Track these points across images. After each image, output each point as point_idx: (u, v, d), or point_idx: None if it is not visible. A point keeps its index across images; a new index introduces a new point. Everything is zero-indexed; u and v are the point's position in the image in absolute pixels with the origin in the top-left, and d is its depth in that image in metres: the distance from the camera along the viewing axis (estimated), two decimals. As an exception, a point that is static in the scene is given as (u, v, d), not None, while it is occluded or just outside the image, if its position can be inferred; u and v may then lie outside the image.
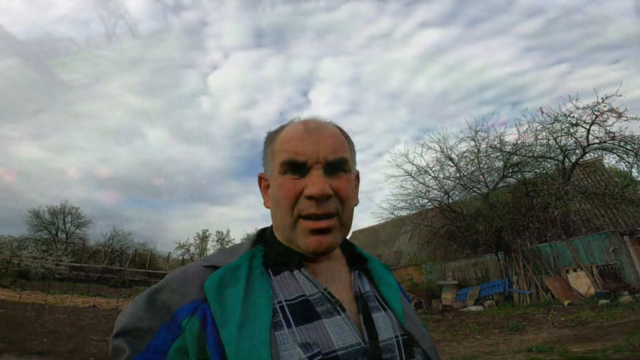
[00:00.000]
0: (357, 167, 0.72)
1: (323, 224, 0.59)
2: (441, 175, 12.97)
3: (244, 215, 74.99)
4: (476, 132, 12.08)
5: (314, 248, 0.59)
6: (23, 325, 7.64)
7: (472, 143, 12.28)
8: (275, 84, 79.93)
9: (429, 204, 13.47)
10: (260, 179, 0.72)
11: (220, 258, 0.62)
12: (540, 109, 11.07)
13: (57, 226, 32.66)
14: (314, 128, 0.63)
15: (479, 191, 12.39)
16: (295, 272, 0.61)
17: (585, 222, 10.92)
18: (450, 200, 13.16)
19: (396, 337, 0.59)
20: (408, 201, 13.54)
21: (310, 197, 0.59)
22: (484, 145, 12.12)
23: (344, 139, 0.67)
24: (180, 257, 41.06)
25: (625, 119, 9.48)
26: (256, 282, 0.57)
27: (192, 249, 41.14)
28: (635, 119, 9.34)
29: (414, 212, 13.95)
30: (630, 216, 10.56)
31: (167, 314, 0.53)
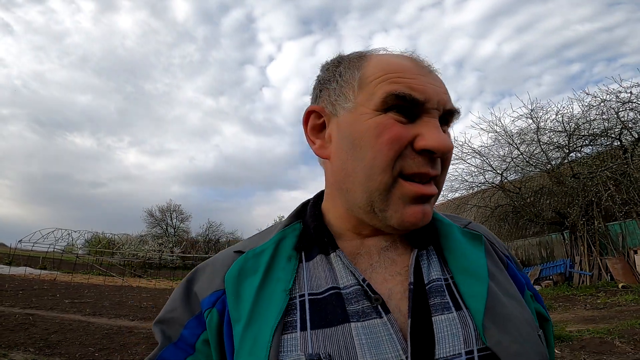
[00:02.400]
0: None
1: (432, 189, 0.46)
2: (501, 152, 13.02)
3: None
4: (532, 109, 11.82)
5: (413, 221, 0.45)
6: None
7: (530, 121, 12.05)
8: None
9: (485, 184, 13.64)
10: (310, 114, 0.53)
11: (251, 241, 0.54)
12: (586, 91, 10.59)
13: (166, 222, 40.16)
14: (425, 66, 0.50)
15: (543, 168, 12.17)
16: (332, 255, 0.49)
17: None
18: (509, 179, 13.16)
19: (468, 352, 0.41)
20: (464, 182, 13.90)
21: (426, 151, 0.44)
22: (543, 123, 11.82)
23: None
24: (264, 243, 46.33)
25: None
26: (277, 270, 0.48)
27: (272, 235, 45.87)
28: None
29: (470, 191, 14.26)
30: None
31: (197, 304, 0.49)
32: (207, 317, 0.47)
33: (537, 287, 10.90)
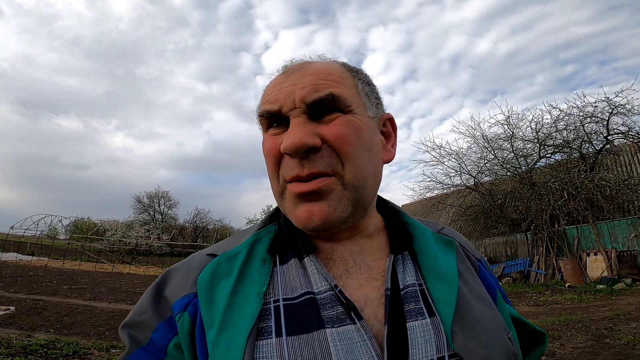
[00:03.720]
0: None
1: (311, 185, 0.45)
2: (477, 156, 14.08)
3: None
4: (508, 116, 12.86)
5: (303, 222, 0.46)
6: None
7: (506, 127, 13.11)
8: (328, 57, 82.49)
9: (460, 185, 14.74)
10: None
11: (224, 244, 0.54)
12: (550, 105, 11.81)
13: (154, 208, 40.57)
14: (295, 69, 0.51)
15: (515, 171, 13.29)
16: (306, 259, 0.49)
17: (616, 207, 11.40)
18: (482, 181, 14.29)
19: (440, 359, 0.42)
20: (440, 182, 14.97)
21: (287, 153, 0.46)
22: (517, 130, 12.90)
23: (341, 73, 0.51)
24: (251, 232, 47.17)
25: (634, 114, 9.98)
26: (251, 273, 0.48)
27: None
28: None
29: (444, 192, 15.38)
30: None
31: (168, 308, 0.48)
32: (178, 321, 0.46)
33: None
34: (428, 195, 15.64)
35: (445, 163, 14.47)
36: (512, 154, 13.10)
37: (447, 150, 14.29)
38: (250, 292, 0.46)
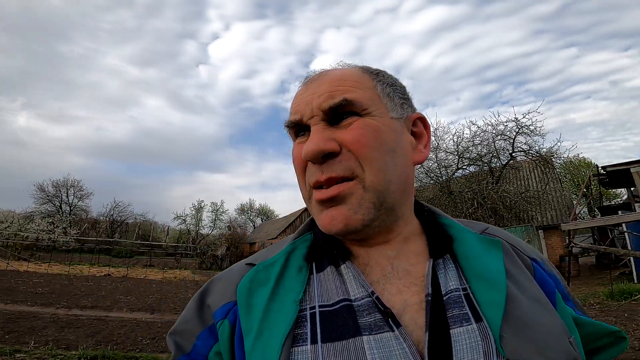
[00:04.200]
0: None
1: (329, 192, 0.47)
2: None
3: (243, 182, 78.91)
4: (435, 129, 14.24)
5: (327, 227, 0.48)
6: (69, 290, 10.40)
7: (433, 139, 14.49)
8: (277, 55, 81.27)
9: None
10: None
11: (263, 254, 0.56)
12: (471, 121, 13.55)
13: (60, 199, 35.74)
14: (314, 79, 0.53)
15: (437, 180, 14.72)
16: (342, 266, 0.50)
17: (514, 216, 13.40)
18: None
19: None
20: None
21: (309, 161, 0.48)
22: (443, 142, 14.36)
23: (359, 78, 0.52)
24: (178, 228, 44.49)
25: (536, 134, 12.04)
26: (288, 280, 0.49)
27: (188, 219, 44.10)
28: (541, 135, 11.83)
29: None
30: (546, 213, 13.08)
31: (210, 316, 0.50)
32: (219, 328, 0.48)
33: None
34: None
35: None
36: (436, 164, 14.53)
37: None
38: (286, 299, 0.47)
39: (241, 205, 48.10)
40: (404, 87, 0.57)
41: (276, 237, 28.34)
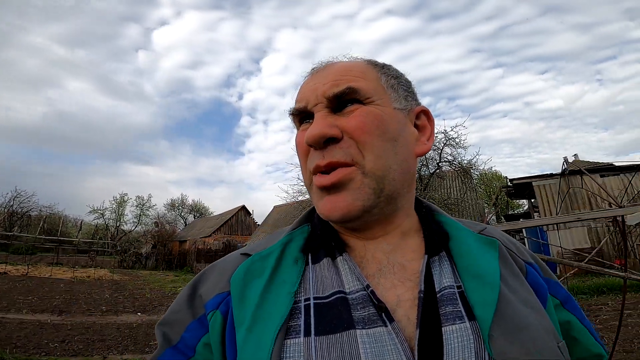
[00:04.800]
0: None
1: (330, 178, 0.47)
2: None
3: (175, 176, 74.04)
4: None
5: (327, 214, 0.48)
6: None
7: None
8: (228, 48, 77.72)
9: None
10: None
11: (259, 244, 0.55)
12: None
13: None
14: (320, 69, 0.55)
15: None
16: (338, 258, 0.50)
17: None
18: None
19: None
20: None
21: (310, 145, 0.49)
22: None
23: (364, 68, 0.54)
24: (94, 223, 40.13)
25: (460, 147, 13.53)
26: (283, 272, 0.49)
27: (107, 213, 40.21)
28: (464, 147, 13.35)
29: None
30: (463, 219, 14.68)
31: (201, 306, 0.50)
32: (210, 319, 0.47)
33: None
34: (300, 198, 16.68)
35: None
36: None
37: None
38: (281, 291, 0.47)
39: (172, 200, 45.14)
40: (409, 82, 0.59)
41: (210, 235, 27.15)
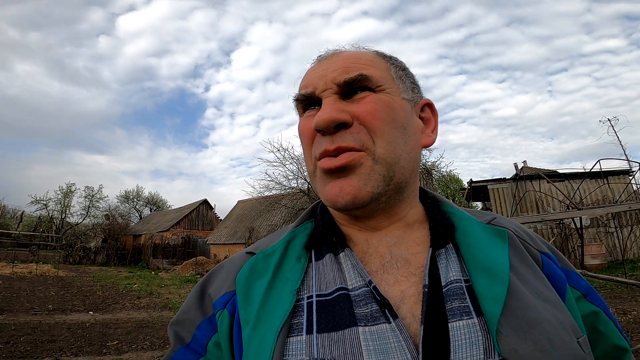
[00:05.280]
0: None
1: (338, 160, 0.46)
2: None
3: (131, 167, 70.06)
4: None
5: (333, 199, 0.47)
6: None
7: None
8: (198, 38, 74.49)
9: (296, 188, 16.30)
10: None
11: (263, 242, 0.56)
12: None
13: None
14: (327, 56, 0.55)
15: None
16: (341, 254, 0.49)
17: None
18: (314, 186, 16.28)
19: None
20: (279, 183, 16.12)
21: (318, 130, 0.48)
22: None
23: (373, 58, 0.54)
24: (37, 214, 36.90)
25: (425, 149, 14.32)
26: (286, 270, 0.49)
27: (51, 204, 37.14)
28: (429, 150, 14.03)
29: (281, 192, 16.66)
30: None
31: (210, 306, 0.50)
32: (218, 319, 0.48)
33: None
34: (266, 194, 16.49)
35: (287, 166, 15.68)
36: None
37: (290, 154, 15.54)
38: (284, 290, 0.47)
39: (126, 192, 42.59)
40: (413, 75, 0.59)
41: (168, 230, 25.98)
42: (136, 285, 12.31)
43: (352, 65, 0.51)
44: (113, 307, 8.25)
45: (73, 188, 38.46)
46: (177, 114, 75.88)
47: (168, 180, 76.35)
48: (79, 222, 36.98)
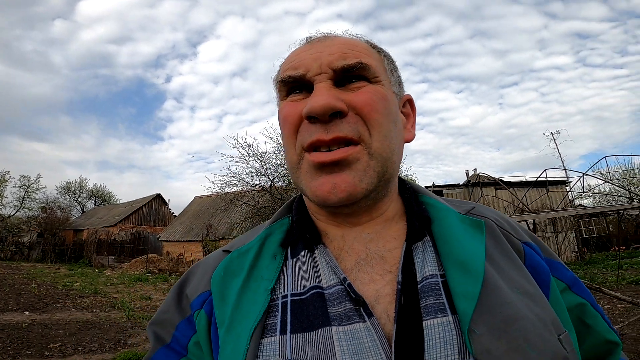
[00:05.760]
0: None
1: (334, 154, 0.43)
2: (277, 162, 15.65)
3: (74, 157, 64.67)
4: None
5: (324, 195, 0.44)
6: None
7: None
8: (165, 27, 70.28)
9: (258, 185, 16.02)
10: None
11: (240, 240, 0.54)
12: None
13: None
14: (320, 39, 0.51)
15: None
16: (316, 251, 0.48)
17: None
18: (278, 184, 16.09)
19: None
20: (241, 180, 15.74)
21: (310, 117, 0.44)
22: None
23: (368, 47, 0.52)
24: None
25: None
26: (261, 268, 0.47)
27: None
28: None
29: (243, 189, 16.30)
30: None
31: (188, 306, 0.50)
32: (196, 319, 0.47)
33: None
34: (227, 190, 16.04)
35: (250, 162, 15.38)
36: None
37: (255, 150, 15.27)
38: (258, 289, 0.45)
39: (67, 183, 39.15)
40: (398, 69, 0.58)
41: (115, 225, 24.27)
42: (78, 284, 11.37)
43: (349, 52, 0.48)
44: (52, 306, 7.54)
45: (7, 177, 34.60)
46: (133, 103, 71.04)
47: (117, 172, 71.20)
48: (12, 214, 33.37)
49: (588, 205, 14.86)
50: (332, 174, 0.44)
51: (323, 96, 0.44)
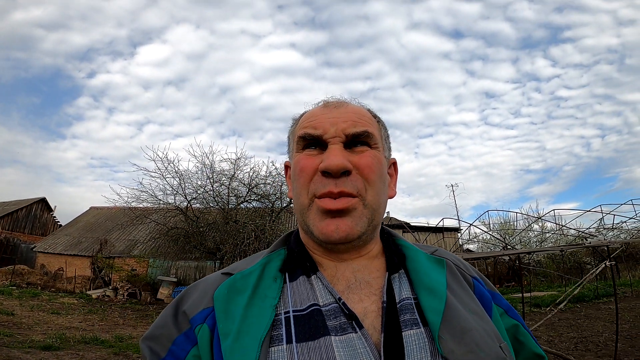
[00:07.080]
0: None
1: (339, 203, 0.55)
2: (199, 182, 14.78)
3: None
4: (237, 158, 14.64)
5: (329, 234, 0.55)
6: None
7: (233, 166, 14.87)
8: (110, 21, 60.72)
9: (172, 204, 14.91)
10: (287, 167, 0.71)
11: (239, 265, 0.62)
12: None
13: None
14: (335, 104, 0.64)
15: (224, 206, 14.93)
16: (313, 276, 0.58)
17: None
18: (194, 206, 15.15)
19: None
20: (152, 195, 14.46)
21: (325, 173, 0.56)
22: (240, 172, 14.98)
23: (371, 117, 0.65)
24: None
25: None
26: (264, 289, 0.55)
27: None
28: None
29: (153, 206, 14.96)
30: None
31: (186, 322, 0.55)
32: (198, 332, 0.53)
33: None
34: (134, 204, 14.56)
35: (167, 179, 14.31)
36: (227, 191, 14.96)
37: (174, 167, 14.29)
38: (264, 305, 0.53)
39: None
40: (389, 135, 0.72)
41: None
42: None
43: (358, 120, 0.61)
44: None
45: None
46: (38, 93, 59.07)
47: (-6, 166, 58.13)
48: None
49: (474, 250, 17.42)
50: (335, 218, 0.56)
51: (338, 157, 0.56)
